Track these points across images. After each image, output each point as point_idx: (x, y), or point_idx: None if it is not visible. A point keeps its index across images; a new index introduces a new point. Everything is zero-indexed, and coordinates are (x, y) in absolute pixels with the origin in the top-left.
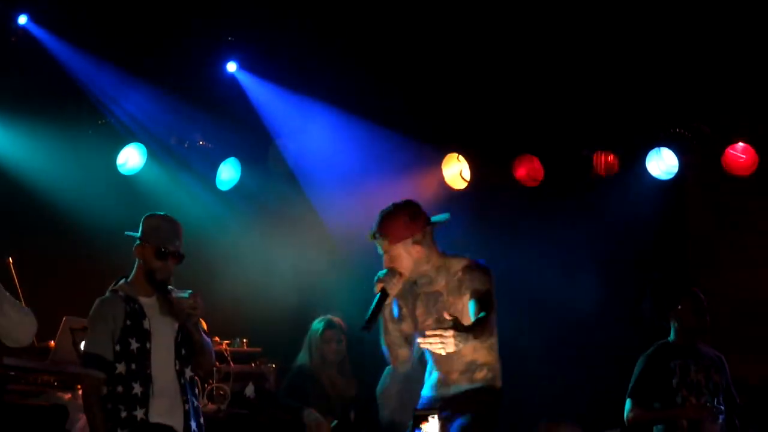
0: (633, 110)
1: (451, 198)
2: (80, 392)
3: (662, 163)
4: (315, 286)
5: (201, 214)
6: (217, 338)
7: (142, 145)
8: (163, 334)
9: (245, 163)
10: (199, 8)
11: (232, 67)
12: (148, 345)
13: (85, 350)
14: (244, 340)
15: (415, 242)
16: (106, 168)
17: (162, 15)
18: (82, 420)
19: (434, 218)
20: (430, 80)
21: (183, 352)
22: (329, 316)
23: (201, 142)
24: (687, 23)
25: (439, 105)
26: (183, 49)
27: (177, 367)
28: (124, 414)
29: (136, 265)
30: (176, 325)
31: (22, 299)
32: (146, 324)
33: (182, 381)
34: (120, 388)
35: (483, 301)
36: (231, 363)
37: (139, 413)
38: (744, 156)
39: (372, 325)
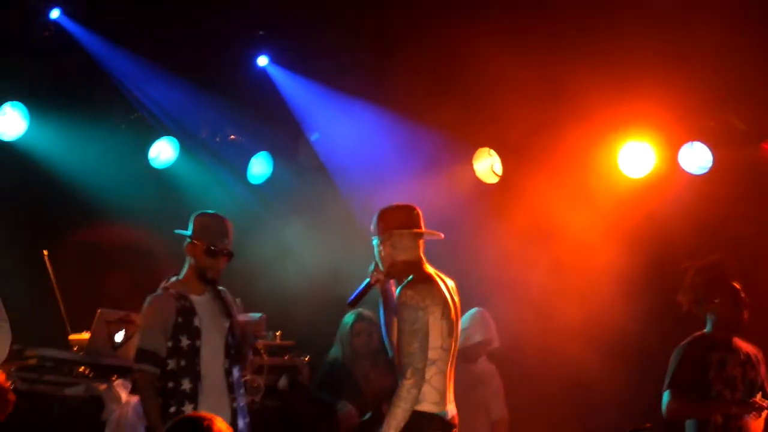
0: (666, 104)
1: (483, 192)
2: (114, 383)
3: (695, 158)
4: (347, 279)
5: (232, 208)
6: None
7: (174, 138)
8: (213, 332)
9: (277, 156)
10: (230, 2)
11: (263, 61)
12: (198, 342)
13: (139, 346)
14: (278, 333)
15: (381, 242)
16: (138, 161)
17: (194, 9)
18: (117, 411)
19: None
20: (462, 74)
21: (232, 351)
22: (360, 310)
23: (232, 136)
24: (719, 17)
25: (472, 99)
26: (215, 43)
27: (226, 366)
28: (173, 409)
29: (186, 264)
30: (226, 324)
31: (57, 291)
32: (197, 321)
33: (230, 379)
34: (170, 384)
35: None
36: (264, 356)
37: (188, 408)
38: None
39: (354, 305)
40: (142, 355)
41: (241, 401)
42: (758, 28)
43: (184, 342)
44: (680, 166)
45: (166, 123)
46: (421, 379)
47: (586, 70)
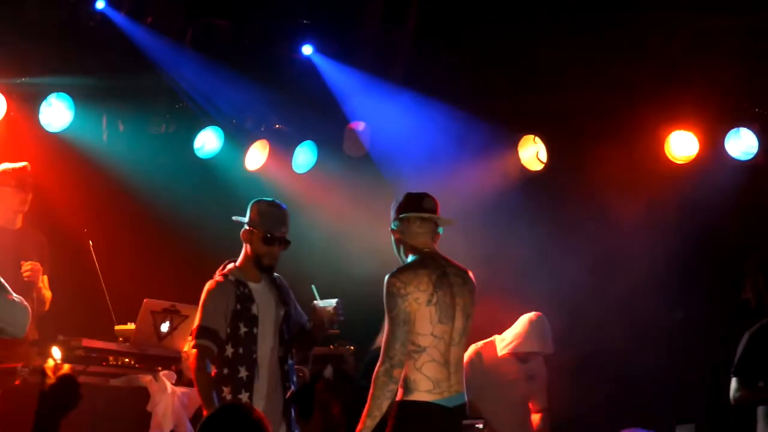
0: (712, 89)
1: (528, 180)
2: (160, 373)
3: (741, 144)
4: (394, 268)
5: (277, 197)
6: None
7: (219, 128)
8: (269, 320)
9: (322, 146)
10: None
11: (307, 50)
12: (255, 330)
13: (200, 324)
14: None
15: (393, 228)
16: (183, 151)
17: None
18: (162, 402)
19: (404, 214)
20: (507, 61)
21: (286, 338)
22: None
23: (277, 125)
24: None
25: (516, 86)
26: (259, 32)
27: (280, 353)
28: (229, 397)
29: (243, 250)
30: (281, 312)
31: (102, 282)
32: (254, 309)
33: (285, 367)
34: (226, 371)
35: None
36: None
37: (244, 396)
38: None
39: None
40: (204, 331)
41: (294, 388)
42: None
43: (242, 329)
44: (726, 152)
45: (211, 113)
46: (393, 367)
47: (632, 56)
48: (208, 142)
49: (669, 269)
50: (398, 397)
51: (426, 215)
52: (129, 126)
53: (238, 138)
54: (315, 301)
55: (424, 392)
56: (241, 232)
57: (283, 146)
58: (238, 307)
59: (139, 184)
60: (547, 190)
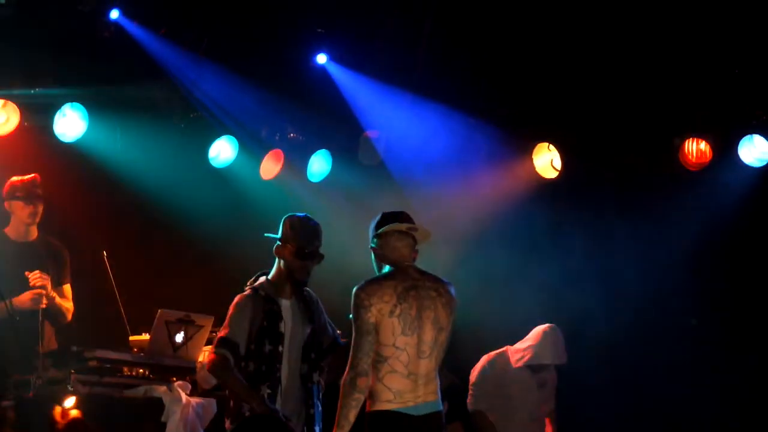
0: (725, 96)
1: (542, 187)
2: (176, 384)
3: (755, 150)
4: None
5: (292, 207)
6: None
7: (233, 137)
8: (295, 337)
9: (336, 154)
10: (289, 1)
11: (322, 59)
12: (280, 348)
13: (224, 335)
14: (339, 332)
15: (372, 247)
16: (198, 161)
17: (252, 7)
18: (178, 412)
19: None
20: (521, 69)
21: (312, 356)
22: None
23: (292, 134)
24: None
25: (530, 94)
26: (273, 41)
27: (304, 371)
28: (248, 414)
29: (275, 265)
30: (308, 329)
31: (117, 292)
32: (282, 327)
33: (308, 385)
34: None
35: None
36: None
37: None
38: None
39: None
40: (226, 342)
41: (319, 406)
42: None
43: (267, 347)
44: (740, 159)
45: (226, 122)
46: (357, 376)
47: (646, 63)
48: (222, 151)
49: (685, 276)
50: (366, 408)
51: (404, 227)
52: (144, 135)
53: (252, 147)
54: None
55: (384, 402)
56: (274, 248)
57: (298, 155)
58: (265, 324)
59: (153, 193)
60: (561, 198)
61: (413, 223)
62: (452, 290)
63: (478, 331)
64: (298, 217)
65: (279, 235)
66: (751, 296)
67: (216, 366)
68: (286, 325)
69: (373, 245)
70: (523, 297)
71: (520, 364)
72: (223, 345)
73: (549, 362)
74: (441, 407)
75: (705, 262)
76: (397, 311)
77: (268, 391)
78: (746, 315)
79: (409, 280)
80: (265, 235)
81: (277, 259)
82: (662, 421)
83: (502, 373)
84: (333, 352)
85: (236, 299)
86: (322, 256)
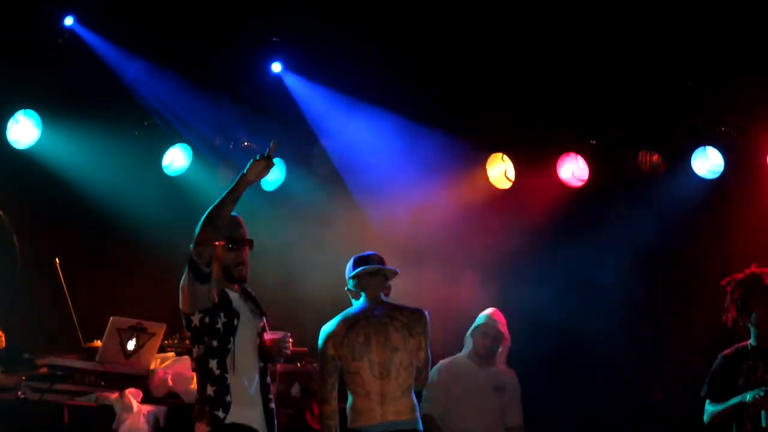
0: (678, 109)
1: (496, 198)
2: (128, 392)
3: (707, 162)
4: None
5: (245, 215)
6: None
7: (187, 145)
8: (248, 329)
9: (290, 163)
10: (244, 9)
11: (277, 67)
12: (236, 322)
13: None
14: (290, 340)
15: (348, 290)
16: (151, 169)
17: (207, 16)
18: (128, 420)
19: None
20: (475, 79)
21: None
22: None
23: (246, 143)
24: (729, 21)
25: (484, 104)
26: (228, 50)
27: (261, 365)
28: (224, 418)
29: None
30: (261, 323)
31: (69, 300)
32: (234, 306)
33: (266, 380)
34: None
35: None
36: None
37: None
38: None
39: None
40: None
41: (272, 404)
42: None
43: (221, 321)
44: (693, 170)
45: (180, 130)
46: (320, 404)
47: (600, 75)
48: (176, 159)
49: (635, 286)
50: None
51: (373, 268)
52: (98, 143)
53: (206, 156)
54: (265, 333)
55: (350, 421)
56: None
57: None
58: (218, 301)
59: (106, 201)
60: (514, 207)
61: (382, 260)
62: (419, 316)
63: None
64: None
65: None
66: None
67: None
68: (239, 318)
69: (349, 287)
70: (476, 306)
71: (464, 353)
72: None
73: (490, 337)
74: (414, 426)
75: (654, 273)
76: (345, 341)
77: (218, 370)
78: (692, 325)
79: (363, 311)
80: (191, 246)
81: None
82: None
83: (449, 373)
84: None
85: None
86: (252, 242)
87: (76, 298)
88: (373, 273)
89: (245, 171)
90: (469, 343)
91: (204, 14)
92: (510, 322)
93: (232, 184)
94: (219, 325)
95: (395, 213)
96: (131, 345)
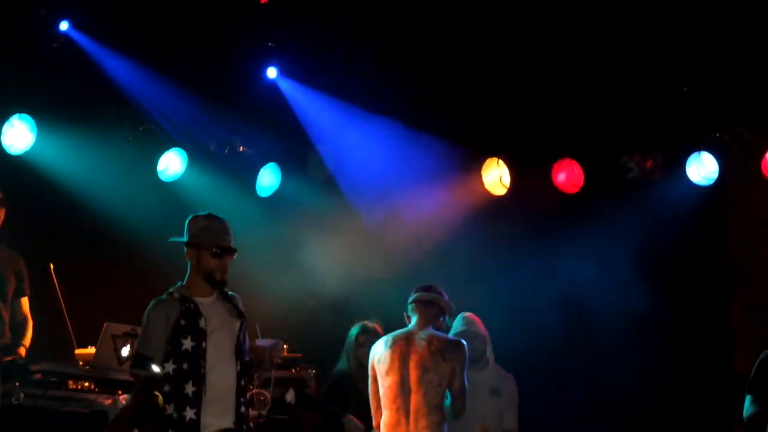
0: (673, 115)
1: (491, 203)
2: (121, 398)
3: (702, 168)
4: (355, 291)
5: (241, 220)
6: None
7: (182, 150)
8: (222, 333)
9: (285, 168)
10: (239, 15)
11: (272, 73)
12: (203, 344)
13: (136, 350)
14: (285, 346)
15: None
16: (146, 174)
17: (203, 21)
18: None
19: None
20: (470, 85)
21: (244, 350)
22: (365, 322)
23: (241, 148)
24: (726, 27)
25: (479, 110)
26: (223, 55)
27: (238, 368)
28: (174, 414)
29: (189, 269)
30: (237, 326)
31: (63, 305)
32: (202, 323)
33: (242, 383)
34: (168, 388)
35: None
36: (272, 369)
37: (190, 413)
38: None
39: None
40: (137, 359)
41: (244, 408)
42: None
43: (187, 345)
44: (687, 176)
45: (175, 135)
46: (373, 417)
47: (592, 80)
48: (171, 164)
49: (630, 291)
50: None
51: (429, 296)
52: (92, 148)
53: (201, 161)
54: (257, 339)
55: None
56: (186, 252)
57: (247, 169)
58: (182, 322)
59: (101, 206)
60: (510, 214)
61: (438, 292)
62: (456, 344)
63: None
64: (204, 215)
65: (186, 238)
66: (694, 316)
67: (134, 390)
68: (209, 322)
69: (407, 311)
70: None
71: None
72: (135, 364)
73: (470, 331)
74: None
75: (650, 279)
76: (383, 358)
77: (193, 389)
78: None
79: (405, 334)
80: (171, 240)
81: (189, 263)
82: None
83: None
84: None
85: (148, 306)
86: (235, 250)
87: (70, 304)
88: (429, 302)
89: None
90: None
91: (199, 19)
92: (503, 328)
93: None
94: (186, 347)
95: (390, 218)
96: (125, 351)
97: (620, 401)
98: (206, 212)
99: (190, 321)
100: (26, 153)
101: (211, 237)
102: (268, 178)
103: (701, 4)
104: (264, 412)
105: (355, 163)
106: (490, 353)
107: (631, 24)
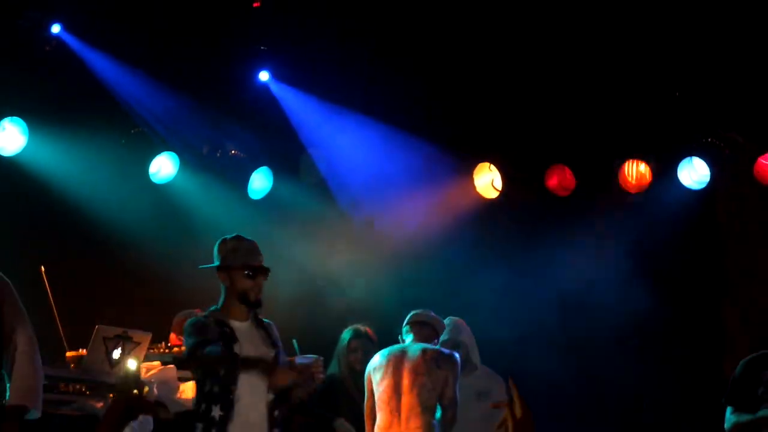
0: (665, 120)
1: (483, 207)
2: (111, 400)
3: (694, 173)
4: (348, 295)
5: (233, 224)
6: None
7: (174, 154)
8: (254, 364)
9: (277, 172)
10: (232, 18)
11: (264, 76)
12: (236, 370)
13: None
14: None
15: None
16: (138, 177)
17: (195, 24)
18: None
19: None
20: (462, 89)
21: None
22: (357, 326)
23: (233, 151)
24: (718, 33)
25: (471, 114)
26: (216, 59)
27: (270, 398)
28: (217, 417)
29: (223, 292)
30: (271, 354)
31: (54, 307)
32: (236, 348)
33: (274, 414)
34: (203, 407)
35: None
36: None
37: None
38: None
39: None
40: (196, 345)
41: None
42: None
43: (222, 370)
44: (680, 181)
45: (167, 138)
46: (366, 425)
47: (586, 85)
48: (163, 167)
49: (623, 294)
50: None
51: (424, 317)
52: (84, 151)
53: (193, 164)
54: (296, 357)
55: None
56: (219, 275)
57: (239, 172)
58: (220, 344)
59: (93, 208)
60: (502, 218)
61: (436, 321)
62: (449, 356)
63: None
64: (233, 237)
65: (218, 262)
66: (686, 320)
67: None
68: (242, 348)
69: (402, 334)
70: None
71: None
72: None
73: (457, 338)
74: None
75: (642, 283)
76: (378, 366)
77: (220, 413)
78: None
79: (401, 346)
80: (201, 267)
81: (223, 288)
82: None
83: None
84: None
85: (186, 323)
86: (268, 270)
87: (61, 307)
88: (424, 323)
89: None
90: None
91: (192, 23)
92: (494, 331)
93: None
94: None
95: (382, 222)
96: (116, 354)
97: (618, 403)
98: (234, 234)
99: (226, 345)
100: (18, 155)
101: (242, 257)
102: (260, 182)
103: (692, 10)
104: None
105: (347, 167)
106: (476, 358)
107: (623, 29)
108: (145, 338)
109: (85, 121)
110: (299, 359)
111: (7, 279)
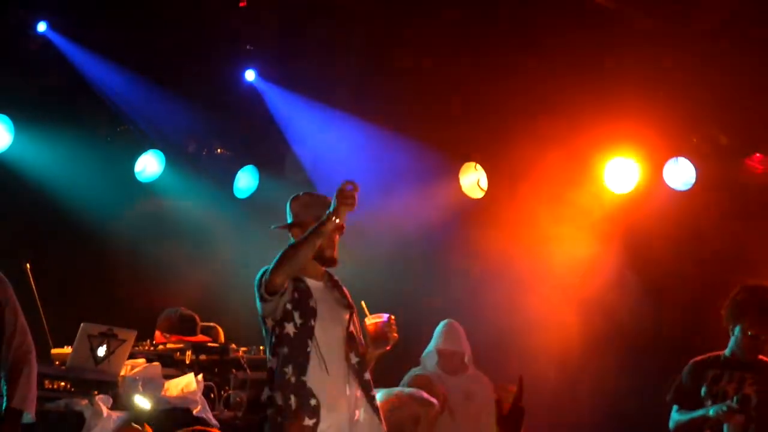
0: (651, 119)
1: (468, 207)
2: (98, 398)
3: (679, 174)
4: None
5: (218, 222)
6: (234, 345)
7: (160, 152)
8: (331, 322)
9: (263, 171)
10: (218, 17)
11: (250, 75)
12: (312, 322)
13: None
14: (261, 348)
15: None
16: (124, 175)
17: (181, 23)
18: (98, 427)
19: None
20: (448, 89)
21: (355, 344)
22: None
23: (219, 150)
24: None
25: (457, 113)
26: (202, 57)
27: (354, 361)
28: (293, 380)
29: None
30: (346, 316)
31: (39, 304)
32: (312, 303)
33: (365, 377)
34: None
35: None
36: (248, 370)
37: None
38: (761, 167)
39: None
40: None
41: (369, 389)
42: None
43: (298, 320)
44: (665, 182)
45: (153, 136)
46: None
47: (572, 86)
48: (149, 165)
49: (609, 299)
50: None
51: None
52: (70, 148)
53: (179, 162)
54: (366, 318)
55: None
56: (292, 233)
57: (225, 171)
58: (296, 295)
59: (78, 206)
60: (487, 218)
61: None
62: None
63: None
64: (305, 194)
65: (291, 220)
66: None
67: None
68: (318, 304)
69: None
70: (447, 315)
71: (430, 368)
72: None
73: (449, 348)
74: None
75: (631, 282)
76: None
77: (296, 373)
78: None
79: None
80: (272, 227)
81: None
82: None
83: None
84: None
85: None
86: (343, 227)
87: (46, 304)
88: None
89: (332, 209)
90: (432, 359)
91: (178, 21)
92: (482, 332)
93: (317, 225)
94: (288, 331)
95: (367, 221)
96: (102, 351)
97: (614, 404)
98: (303, 191)
99: (302, 296)
100: (4, 153)
101: (316, 212)
102: (246, 180)
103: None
104: (240, 414)
105: (332, 166)
106: (468, 360)
107: (611, 30)
108: (131, 336)
109: (71, 119)
110: (371, 319)
111: (8, 282)
